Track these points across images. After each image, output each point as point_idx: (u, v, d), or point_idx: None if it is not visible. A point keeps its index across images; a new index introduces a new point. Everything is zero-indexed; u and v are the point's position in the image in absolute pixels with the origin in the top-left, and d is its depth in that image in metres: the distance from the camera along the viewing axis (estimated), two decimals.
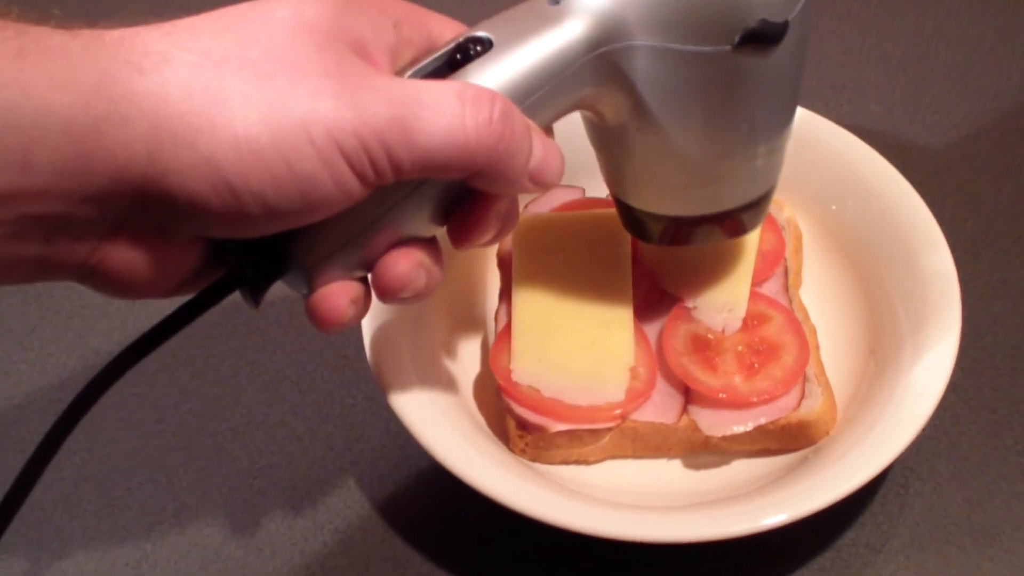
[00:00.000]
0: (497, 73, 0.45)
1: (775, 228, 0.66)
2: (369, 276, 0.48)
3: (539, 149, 0.46)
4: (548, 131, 0.49)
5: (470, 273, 0.67)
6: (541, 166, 0.46)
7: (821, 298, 0.66)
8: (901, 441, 0.55)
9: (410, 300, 0.48)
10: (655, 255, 0.63)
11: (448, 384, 0.61)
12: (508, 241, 0.64)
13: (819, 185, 0.67)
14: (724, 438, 0.59)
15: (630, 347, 0.60)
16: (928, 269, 0.61)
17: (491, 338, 0.63)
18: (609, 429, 0.59)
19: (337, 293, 0.46)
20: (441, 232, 0.49)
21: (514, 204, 0.49)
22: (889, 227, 0.64)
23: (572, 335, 0.60)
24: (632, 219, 0.56)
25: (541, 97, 0.46)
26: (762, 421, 0.59)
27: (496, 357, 0.60)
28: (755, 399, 0.59)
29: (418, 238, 0.48)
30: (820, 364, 0.62)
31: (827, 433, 0.60)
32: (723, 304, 0.62)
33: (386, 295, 0.47)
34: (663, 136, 0.49)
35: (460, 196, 0.47)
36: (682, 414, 0.60)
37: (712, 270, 0.63)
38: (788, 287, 0.64)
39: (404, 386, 0.58)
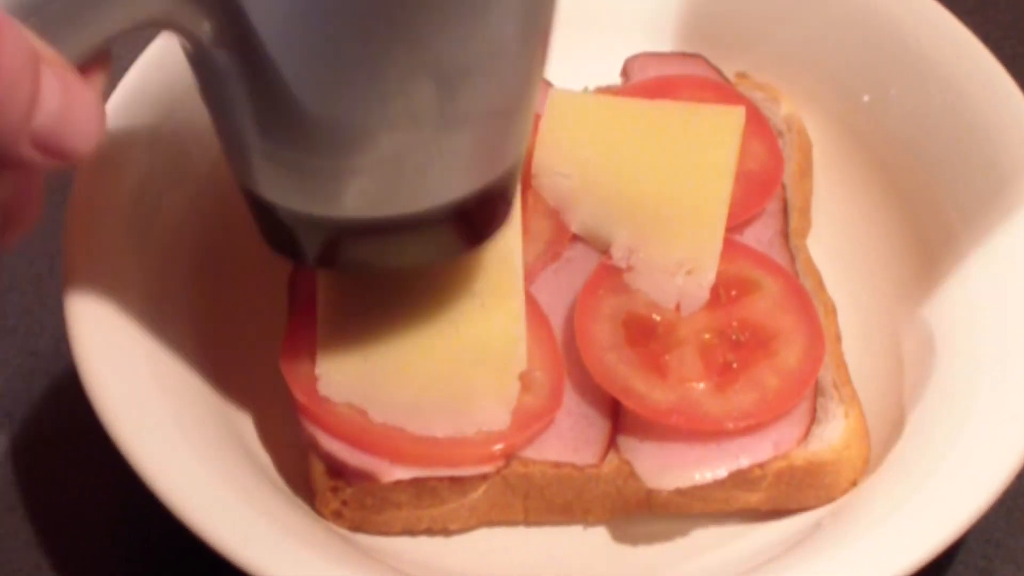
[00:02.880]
0: None
1: (766, 134, 0.66)
2: None
3: (54, 95, 0.46)
4: (95, 65, 0.49)
5: (244, 206, 0.62)
6: (57, 123, 0.46)
7: (844, 253, 0.67)
8: (980, 498, 0.55)
9: None
10: (562, 181, 0.64)
11: (208, 401, 0.61)
12: None
13: (841, 62, 0.68)
14: (679, 493, 0.58)
15: (519, 337, 0.59)
16: None
17: (281, 327, 0.62)
18: (485, 477, 0.58)
19: None
20: None
21: (27, 185, 0.50)
22: (963, 134, 0.65)
23: (420, 318, 0.59)
24: (264, 221, 0.57)
25: (65, 6, 0.47)
26: (743, 463, 0.58)
27: (291, 356, 0.59)
28: (732, 425, 0.58)
29: None
30: (843, 366, 0.62)
31: (855, 483, 0.60)
32: (678, 261, 0.61)
33: None
34: (271, 72, 0.51)
35: None
36: (607, 451, 0.59)
37: (659, 204, 0.62)
38: (788, 234, 0.64)
39: (132, 407, 0.57)
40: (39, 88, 0.45)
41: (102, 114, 0.48)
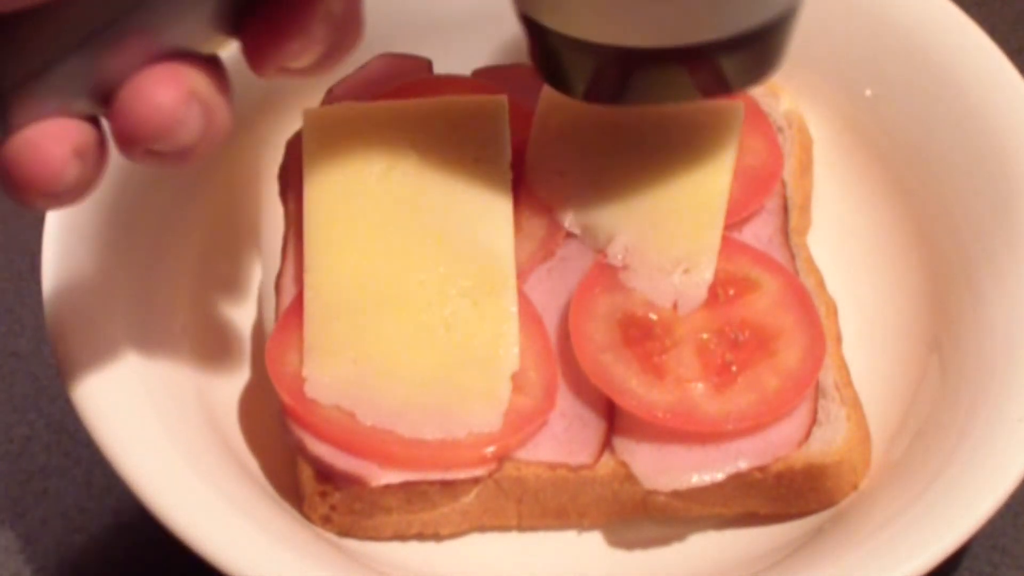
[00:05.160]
0: None
1: (766, 130, 0.66)
2: (106, 114, 0.48)
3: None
4: None
5: (231, 205, 0.65)
6: None
7: (845, 251, 0.67)
8: (986, 502, 0.55)
9: (174, 160, 0.49)
10: (557, 177, 0.63)
11: (194, 403, 0.61)
12: (296, 151, 0.64)
13: (843, 56, 0.68)
14: (677, 495, 0.58)
15: (512, 336, 0.59)
16: None
17: (269, 324, 0.63)
18: (477, 480, 0.58)
19: (51, 135, 0.47)
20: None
21: (353, 7, 0.50)
22: (968, 129, 0.65)
23: (410, 317, 0.59)
24: (547, 54, 0.57)
25: None
26: (742, 466, 0.58)
27: (277, 356, 0.59)
28: (731, 426, 0.58)
29: (190, 53, 0.48)
30: (845, 367, 0.62)
31: (856, 487, 0.60)
32: (675, 259, 0.61)
33: (134, 143, 0.48)
34: None
35: None
36: (603, 452, 0.59)
37: (657, 200, 0.62)
38: (789, 232, 0.63)
39: (116, 408, 0.57)
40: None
41: None
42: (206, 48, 0.49)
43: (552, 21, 0.56)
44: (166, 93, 0.47)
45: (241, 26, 0.49)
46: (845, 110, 0.68)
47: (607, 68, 0.58)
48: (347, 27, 0.50)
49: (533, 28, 0.58)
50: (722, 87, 0.59)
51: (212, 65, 0.49)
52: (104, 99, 0.48)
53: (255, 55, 0.49)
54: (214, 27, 0.48)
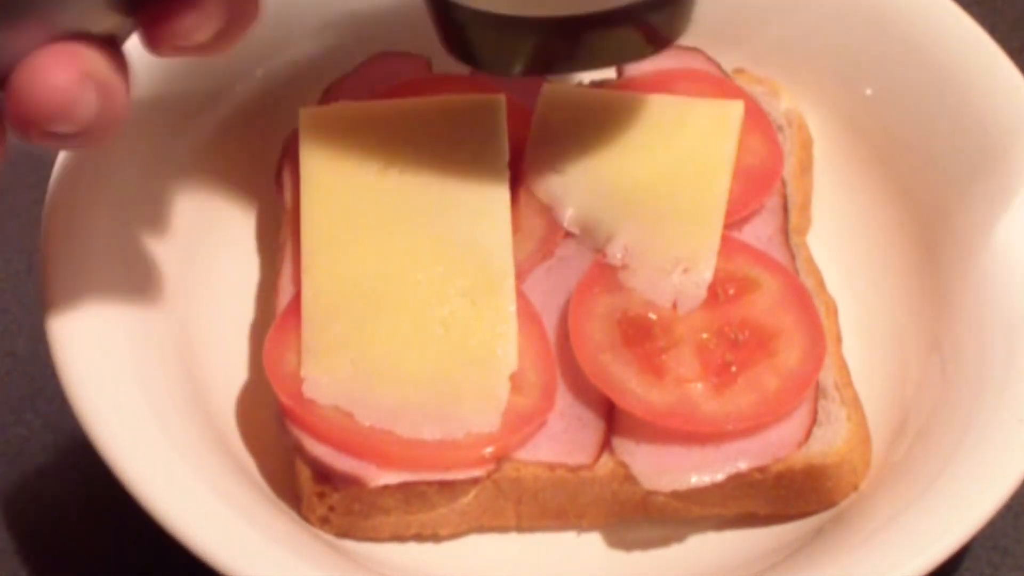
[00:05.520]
0: None
1: (766, 129, 0.66)
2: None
3: None
4: None
5: (228, 204, 0.66)
6: None
7: (846, 251, 0.67)
8: (987, 503, 0.54)
9: (74, 142, 0.49)
10: (555, 177, 0.64)
11: (192, 403, 0.60)
12: (295, 149, 0.64)
13: (843, 55, 0.68)
14: (676, 495, 0.58)
15: (510, 337, 0.59)
16: None
17: (266, 324, 0.62)
18: (475, 481, 0.58)
19: None
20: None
21: None
22: (968, 128, 0.64)
23: (408, 316, 0.59)
24: (453, 27, 0.57)
25: None
26: (742, 466, 0.58)
27: (275, 357, 0.59)
28: (731, 427, 0.58)
29: (85, 35, 0.48)
30: (845, 367, 0.62)
31: (856, 488, 0.60)
32: (674, 259, 0.61)
33: (29, 124, 0.48)
34: None
35: None
36: (602, 452, 0.59)
37: (656, 200, 0.62)
38: (789, 231, 0.63)
39: (114, 408, 0.56)
40: None
41: None
42: (102, 28, 0.49)
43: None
44: (60, 74, 0.47)
45: (135, 4, 0.49)
46: (845, 109, 0.68)
47: (516, 37, 0.58)
48: (243, 2, 0.50)
49: (457, 11, 0.57)
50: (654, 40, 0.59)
51: (109, 45, 0.49)
52: None
53: (150, 33, 0.49)
54: (108, 6, 0.48)
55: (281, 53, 0.67)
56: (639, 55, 0.60)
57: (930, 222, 0.65)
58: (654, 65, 0.67)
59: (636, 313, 0.60)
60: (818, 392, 0.59)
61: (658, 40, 0.59)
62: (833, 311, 0.62)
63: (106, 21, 0.48)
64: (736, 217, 0.62)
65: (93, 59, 0.48)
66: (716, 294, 0.61)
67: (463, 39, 0.58)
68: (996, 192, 0.63)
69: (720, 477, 0.57)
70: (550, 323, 0.61)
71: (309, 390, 0.57)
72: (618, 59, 0.61)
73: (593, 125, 0.64)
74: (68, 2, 0.47)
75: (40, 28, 0.47)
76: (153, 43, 0.49)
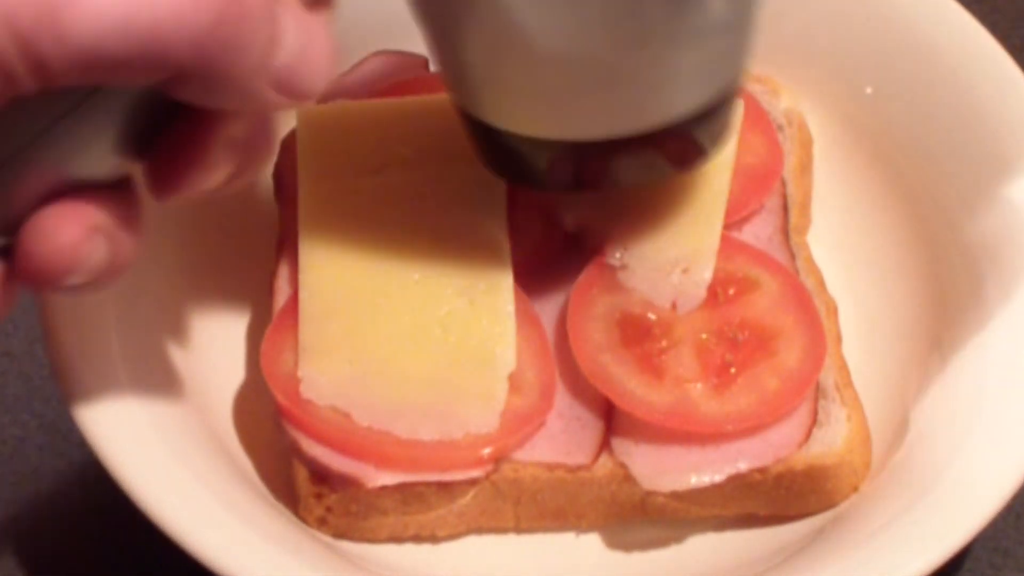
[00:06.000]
0: None
1: (766, 129, 0.66)
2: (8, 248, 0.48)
3: (292, 33, 0.47)
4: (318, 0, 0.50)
5: (225, 204, 0.62)
6: (295, 62, 0.47)
7: (846, 251, 0.67)
8: (988, 504, 0.55)
9: (85, 288, 0.49)
10: None
11: (189, 404, 0.60)
12: (289, 152, 0.64)
13: (843, 54, 0.68)
14: (676, 496, 0.58)
15: (509, 336, 0.59)
16: None
17: (264, 325, 0.62)
18: (474, 482, 0.58)
19: None
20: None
21: (261, 127, 0.51)
22: (969, 127, 0.65)
23: (406, 316, 0.59)
24: (498, 150, 0.58)
25: None
26: (742, 467, 0.58)
27: (272, 357, 0.59)
28: (730, 427, 0.58)
29: (94, 183, 0.48)
30: (845, 368, 0.62)
31: (856, 488, 0.60)
32: (674, 259, 0.61)
33: (41, 281, 0.48)
34: None
35: (162, 114, 0.48)
36: (600, 453, 0.59)
37: (655, 200, 0.62)
38: (789, 231, 0.64)
39: (110, 409, 0.57)
40: (278, 28, 0.46)
41: (333, 51, 0.49)
42: (107, 175, 0.49)
43: (496, 119, 0.57)
44: (68, 231, 0.47)
45: (143, 155, 0.49)
46: (845, 108, 0.68)
47: (559, 159, 0.58)
48: (254, 147, 0.50)
49: (473, 124, 0.58)
50: (694, 157, 0.59)
51: (118, 194, 0.49)
52: (10, 232, 0.48)
53: (155, 183, 0.49)
54: (115, 156, 0.48)
55: None
56: (681, 169, 0.60)
57: (931, 221, 0.65)
58: None
59: (635, 313, 0.60)
60: (818, 392, 0.59)
61: (698, 154, 0.59)
62: (833, 311, 0.62)
63: (113, 171, 0.49)
64: (736, 217, 0.62)
65: (100, 212, 0.48)
66: (716, 294, 0.61)
67: (501, 158, 0.59)
68: (997, 191, 0.62)
69: (719, 478, 0.57)
70: (549, 323, 0.61)
71: (306, 390, 0.57)
72: (655, 176, 0.61)
73: None
74: (78, 159, 0.47)
75: (50, 183, 0.47)
76: (157, 194, 0.49)
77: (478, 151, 0.59)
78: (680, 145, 0.58)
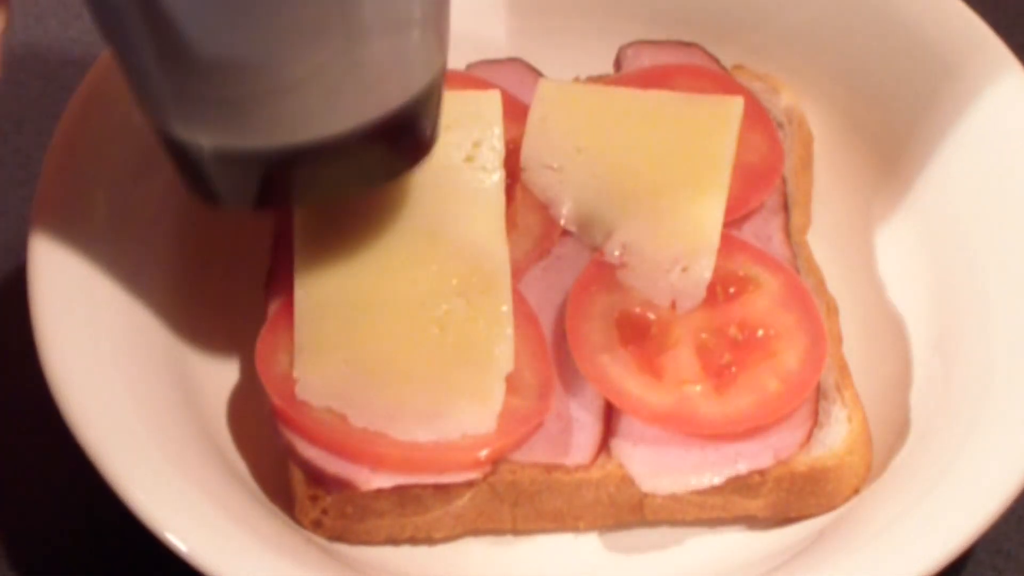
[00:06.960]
0: None
1: (766, 126, 0.66)
2: None
3: None
4: None
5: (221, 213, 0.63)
6: None
7: (845, 250, 0.67)
8: (990, 506, 0.55)
9: None
10: (552, 174, 0.64)
11: (183, 405, 0.60)
12: None
13: (844, 51, 0.69)
14: (674, 498, 0.58)
15: (506, 336, 0.59)
16: None
17: (259, 325, 0.62)
18: (471, 484, 0.58)
19: None
20: None
21: None
22: (971, 128, 0.65)
23: (402, 317, 0.59)
24: (178, 160, 0.56)
25: None
26: (741, 468, 0.58)
27: (267, 358, 0.59)
28: (730, 429, 0.58)
29: None
30: (846, 368, 0.62)
31: (857, 490, 0.60)
32: (673, 257, 0.61)
33: None
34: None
35: None
36: (599, 454, 0.59)
37: (654, 198, 0.62)
38: (789, 229, 0.64)
39: (104, 410, 0.57)
40: None
41: None
42: None
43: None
44: None
45: None
46: (846, 106, 0.68)
47: (233, 170, 0.57)
48: None
49: (189, 149, 0.56)
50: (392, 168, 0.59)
51: None
52: None
53: None
54: None
55: None
56: (392, 174, 0.59)
57: (932, 220, 0.65)
58: (653, 60, 0.67)
59: (634, 312, 0.60)
60: (819, 393, 0.59)
61: (411, 154, 0.58)
62: (834, 311, 0.62)
63: None
64: (736, 215, 0.63)
65: None
66: (715, 293, 0.61)
67: (200, 177, 0.57)
68: (998, 190, 0.62)
69: (719, 479, 0.57)
70: (547, 323, 0.61)
71: (302, 391, 0.58)
72: (368, 182, 0.59)
73: (590, 121, 0.63)
74: None
75: None
76: None
77: (181, 177, 0.58)
78: (362, 158, 0.57)
